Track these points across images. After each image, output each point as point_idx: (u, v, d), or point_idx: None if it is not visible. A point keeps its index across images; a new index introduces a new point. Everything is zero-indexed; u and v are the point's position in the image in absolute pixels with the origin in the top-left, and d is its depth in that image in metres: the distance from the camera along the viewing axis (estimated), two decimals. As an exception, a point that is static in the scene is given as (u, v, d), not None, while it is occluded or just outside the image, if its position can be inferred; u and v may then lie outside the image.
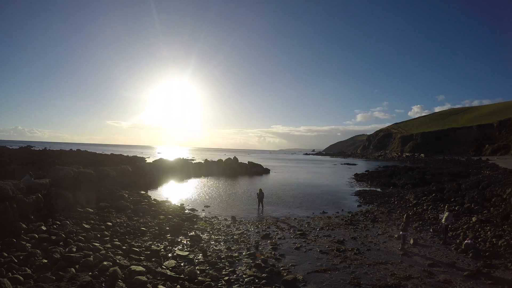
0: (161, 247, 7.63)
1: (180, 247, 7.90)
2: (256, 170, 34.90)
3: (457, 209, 12.25)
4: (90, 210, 10.33)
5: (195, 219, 10.95)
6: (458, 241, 8.79)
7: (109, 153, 45.17)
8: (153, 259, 6.67)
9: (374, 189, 22.31)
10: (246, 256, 7.47)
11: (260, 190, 14.22)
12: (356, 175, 32.94)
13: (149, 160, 32.60)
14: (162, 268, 6.20)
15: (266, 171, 36.22)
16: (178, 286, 5.55)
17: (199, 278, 5.93)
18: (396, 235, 9.47)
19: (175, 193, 18.41)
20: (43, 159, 21.51)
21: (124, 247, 7.18)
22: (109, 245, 7.17)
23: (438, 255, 7.76)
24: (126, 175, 18.04)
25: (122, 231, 8.59)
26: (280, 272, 6.54)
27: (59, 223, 8.35)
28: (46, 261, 5.80)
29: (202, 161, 35.51)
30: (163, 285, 5.49)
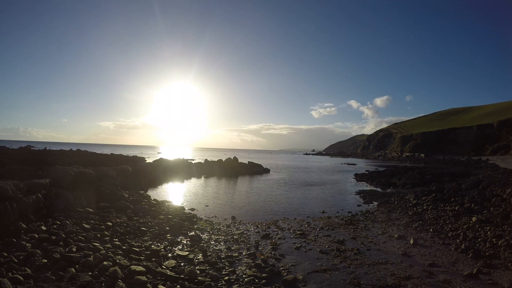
0: (161, 247, 7.63)
1: (180, 247, 7.91)
2: (256, 170, 34.92)
3: (457, 209, 12.25)
4: (90, 210, 10.33)
5: (195, 219, 10.95)
6: (458, 241, 8.78)
7: (109, 153, 45.17)
8: (153, 259, 6.67)
9: (374, 189, 22.30)
10: (246, 256, 7.48)
11: None
12: (356, 175, 32.94)
13: (149, 160, 32.60)
14: (162, 268, 6.20)
15: (266, 170, 36.25)
16: (178, 286, 5.55)
17: (199, 278, 5.93)
18: (396, 235, 9.47)
19: (175, 193, 18.41)
20: (43, 159, 21.50)
21: (124, 247, 7.18)
22: (109, 245, 7.17)
23: (438, 255, 7.76)
24: (126, 175, 18.04)
25: (122, 231, 8.59)
26: (280, 272, 6.54)
27: (59, 223, 8.35)
28: (46, 261, 5.80)
29: (202, 161, 35.50)
30: (163, 285, 5.49)
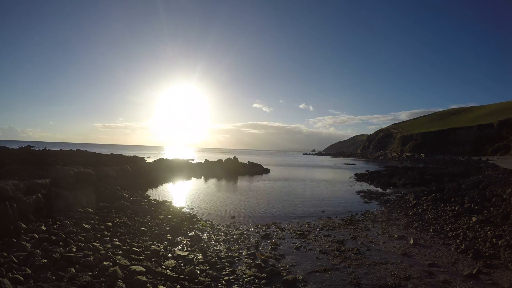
0: (161, 247, 7.63)
1: (180, 247, 7.91)
2: (256, 170, 34.93)
3: (457, 209, 12.25)
4: (90, 210, 10.33)
5: (195, 219, 10.95)
6: (458, 241, 8.78)
7: (109, 153, 45.16)
8: (153, 259, 6.67)
9: (374, 188, 22.31)
10: (246, 256, 7.48)
11: None
12: (356, 175, 32.96)
13: (149, 160, 32.59)
14: (162, 268, 6.20)
15: (266, 170, 36.26)
16: (178, 286, 5.55)
17: (199, 278, 5.93)
18: (396, 235, 9.47)
19: (175, 193, 18.41)
20: (43, 159, 21.49)
21: (124, 247, 7.18)
22: (109, 245, 7.17)
23: (438, 255, 7.76)
24: (126, 175, 18.03)
25: (122, 231, 8.59)
26: (280, 272, 6.54)
27: (59, 223, 8.35)
28: (46, 261, 5.80)
29: (202, 161, 35.49)
30: (163, 285, 5.50)
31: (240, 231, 9.77)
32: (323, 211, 13.71)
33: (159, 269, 6.12)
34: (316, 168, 48.93)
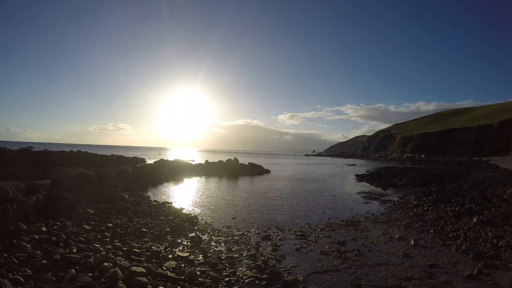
0: (162, 248, 7.63)
1: (180, 248, 7.90)
2: (256, 171, 34.95)
3: (457, 210, 12.23)
4: (90, 211, 10.33)
5: (195, 220, 10.95)
6: (458, 242, 8.77)
7: (109, 154, 45.19)
8: (154, 260, 6.67)
9: (374, 189, 22.28)
10: (247, 257, 7.47)
11: None
12: (357, 175, 32.95)
13: (149, 161, 32.61)
14: (163, 269, 6.20)
15: (267, 171, 36.25)
16: (179, 287, 5.55)
17: (200, 279, 5.93)
18: (397, 236, 9.46)
19: (175, 194, 18.40)
20: (44, 160, 21.53)
21: (124, 248, 7.17)
22: (109, 246, 7.17)
23: (439, 256, 7.75)
24: (126, 176, 18.05)
25: (122, 232, 8.59)
26: (280, 273, 6.53)
27: (59, 224, 8.36)
28: (46, 262, 5.80)
29: (203, 162, 35.50)
30: (163, 286, 5.49)
31: (240, 232, 9.76)
32: (323, 212, 13.69)
33: (160, 270, 6.11)
34: (317, 168, 48.92)
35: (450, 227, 10.28)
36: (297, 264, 7.18)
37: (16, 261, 5.62)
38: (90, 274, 5.49)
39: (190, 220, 10.80)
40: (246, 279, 6.12)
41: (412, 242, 8.74)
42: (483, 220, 10.20)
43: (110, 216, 10.16)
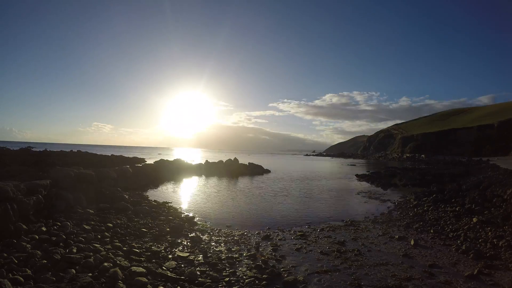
0: (162, 248, 7.63)
1: (180, 248, 7.90)
2: (256, 171, 34.93)
3: (457, 210, 12.23)
4: (90, 211, 10.33)
5: (195, 220, 10.95)
6: (458, 242, 8.77)
7: (109, 154, 45.19)
8: (154, 260, 6.67)
9: (375, 189, 22.29)
10: (247, 257, 7.47)
11: None
12: (357, 175, 32.93)
13: (149, 161, 32.60)
14: (163, 269, 6.20)
15: (267, 171, 36.25)
16: (179, 287, 5.55)
17: (200, 279, 5.93)
18: (397, 236, 9.46)
19: (175, 194, 18.40)
20: (43, 160, 21.52)
21: (124, 248, 7.17)
22: (109, 246, 7.17)
23: (439, 256, 7.75)
24: (126, 176, 18.04)
25: (122, 232, 8.59)
26: (280, 273, 6.53)
27: (59, 224, 8.35)
28: (46, 262, 5.81)
29: (203, 162, 35.50)
30: (163, 286, 5.49)
31: (240, 232, 9.76)
32: (323, 212, 13.69)
33: (160, 270, 6.11)
34: (317, 169, 48.91)
35: (450, 227, 10.28)
36: (297, 264, 7.18)
37: (16, 261, 5.62)
38: (90, 274, 5.50)
39: (190, 220, 10.80)
40: (246, 279, 6.12)
41: (412, 242, 8.74)
42: (483, 220, 10.19)
43: (110, 216, 10.16)
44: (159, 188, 20.33)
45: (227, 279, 6.10)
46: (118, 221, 9.75)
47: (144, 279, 5.46)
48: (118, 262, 6.16)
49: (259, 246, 8.44)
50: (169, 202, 14.40)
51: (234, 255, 7.50)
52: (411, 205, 14.58)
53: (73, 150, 44.65)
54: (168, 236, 8.77)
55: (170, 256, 7.15)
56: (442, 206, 13.32)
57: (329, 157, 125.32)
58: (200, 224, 10.65)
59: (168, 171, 26.85)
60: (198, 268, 6.48)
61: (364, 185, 25.51)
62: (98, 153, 42.51)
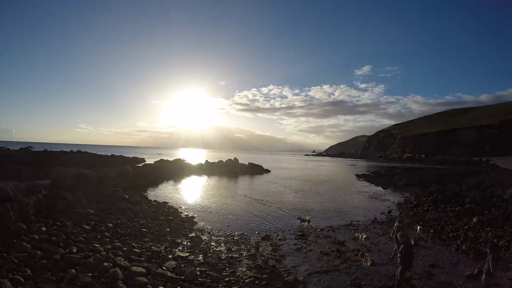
0: (162, 248, 7.62)
1: (180, 248, 7.90)
2: (256, 171, 34.93)
3: (457, 210, 12.22)
4: (90, 211, 10.32)
5: (195, 220, 10.95)
6: (459, 242, 8.76)
7: (109, 154, 45.18)
8: (154, 260, 6.66)
9: (375, 189, 22.27)
10: (247, 257, 7.47)
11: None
12: (357, 175, 32.95)
13: (149, 161, 32.59)
14: (163, 269, 6.20)
15: (267, 171, 36.24)
16: (178, 287, 5.54)
17: (200, 279, 5.93)
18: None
19: (175, 194, 18.38)
20: (44, 160, 21.52)
21: (124, 248, 7.17)
22: (109, 246, 7.16)
23: (439, 256, 7.75)
24: (126, 176, 18.05)
25: (122, 232, 8.58)
26: (280, 273, 6.53)
27: (59, 224, 8.34)
28: (46, 262, 5.80)
29: (203, 162, 35.48)
30: (163, 286, 5.49)
31: (240, 232, 9.76)
32: (323, 212, 13.68)
33: (160, 270, 6.11)
34: (317, 168, 48.90)
35: (450, 227, 10.28)
36: (297, 264, 7.18)
37: (16, 261, 5.62)
38: (90, 274, 5.49)
39: (190, 220, 10.79)
40: (246, 279, 6.12)
41: (412, 242, 8.72)
42: (483, 220, 10.19)
43: (110, 216, 10.15)
44: (159, 188, 20.31)
45: (227, 279, 6.09)
46: (118, 221, 9.73)
47: (144, 279, 5.46)
48: (118, 262, 6.16)
49: (259, 246, 8.43)
50: (169, 202, 14.39)
51: (234, 255, 7.49)
52: (411, 205, 14.57)
53: (73, 150, 44.66)
54: (168, 236, 8.76)
55: (170, 256, 7.14)
56: (442, 206, 13.31)
57: (329, 157, 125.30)
58: (200, 224, 10.64)
59: (168, 171, 26.84)
60: (198, 268, 6.48)
61: (364, 184, 25.50)
62: (98, 153, 42.50)
